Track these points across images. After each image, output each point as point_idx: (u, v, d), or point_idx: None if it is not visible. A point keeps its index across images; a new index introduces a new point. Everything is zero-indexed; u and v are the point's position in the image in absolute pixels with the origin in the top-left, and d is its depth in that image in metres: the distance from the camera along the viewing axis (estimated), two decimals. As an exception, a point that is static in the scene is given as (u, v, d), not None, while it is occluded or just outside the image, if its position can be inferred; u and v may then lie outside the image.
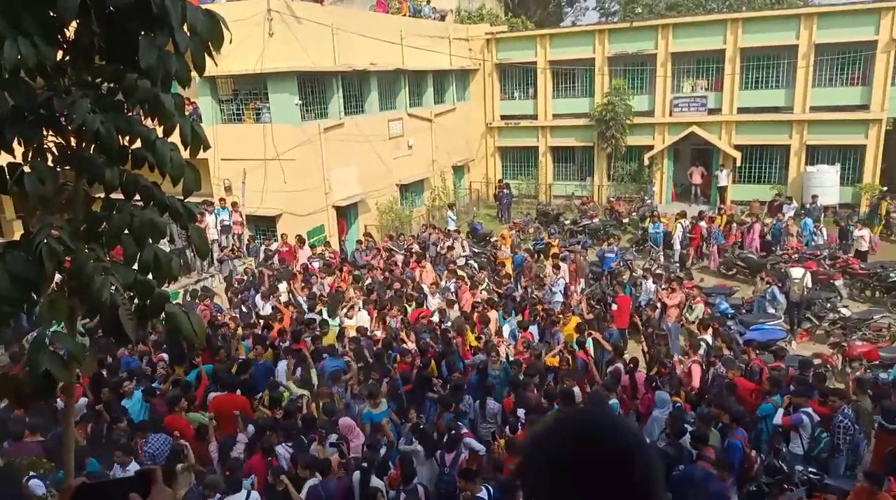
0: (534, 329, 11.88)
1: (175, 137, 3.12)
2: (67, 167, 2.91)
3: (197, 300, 13.21)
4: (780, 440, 8.20)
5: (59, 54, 2.65)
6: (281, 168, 17.45)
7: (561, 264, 14.89)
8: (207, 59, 2.98)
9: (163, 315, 3.39)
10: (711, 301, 13.41)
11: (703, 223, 18.06)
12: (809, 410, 7.95)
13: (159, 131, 3.06)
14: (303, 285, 14.09)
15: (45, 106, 2.58)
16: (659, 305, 12.82)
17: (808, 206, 19.60)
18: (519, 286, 15.20)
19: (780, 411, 8.19)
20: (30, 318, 3.10)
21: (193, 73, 3.17)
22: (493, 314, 12.39)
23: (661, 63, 23.70)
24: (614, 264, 16.00)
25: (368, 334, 11.74)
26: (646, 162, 24.22)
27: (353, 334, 11.61)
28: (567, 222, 21.33)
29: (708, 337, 11.12)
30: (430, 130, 23.90)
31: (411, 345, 10.94)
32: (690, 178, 23.94)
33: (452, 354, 10.53)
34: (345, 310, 12.40)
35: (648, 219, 19.21)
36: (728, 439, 7.60)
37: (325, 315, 12.34)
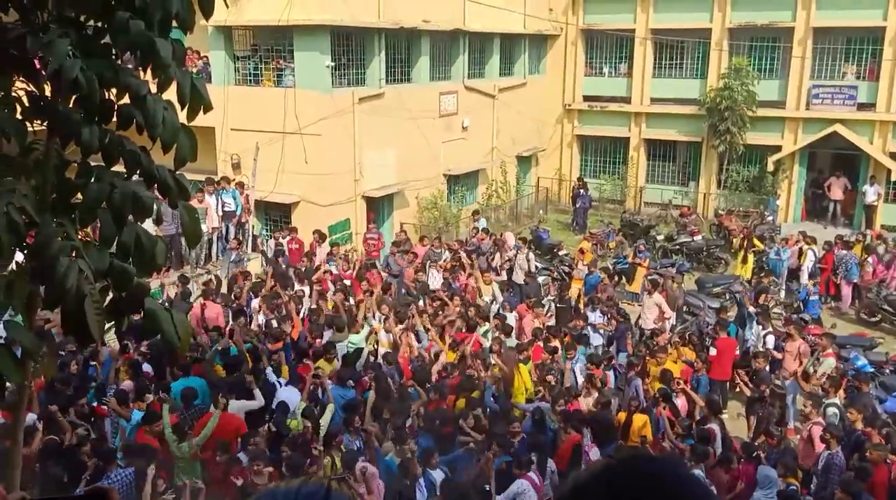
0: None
1: (171, 95, 3.21)
2: (39, 122, 3.02)
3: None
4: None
5: (40, -17, 2.76)
6: (303, 145, 17.74)
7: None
8: (217, 1, 3.06)
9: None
10: (845, 355, 12.99)
11: (839, 252, 17.53)
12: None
13: (153, 86, 3.15)
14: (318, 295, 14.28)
15: (17, 45, 2.68)
16: (773, 354, 12.54)
17: None
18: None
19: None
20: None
21: (199, 18, 3.27)
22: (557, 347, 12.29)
23: (800, 40, 23.17)
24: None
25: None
26: (770, 167, 23.75)
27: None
28: (660, 238, 21.03)
29: (838, 401, 10.77)
30: (493, 108, 23.98)
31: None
32: (828, 191, 23.33)
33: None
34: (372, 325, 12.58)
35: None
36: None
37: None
